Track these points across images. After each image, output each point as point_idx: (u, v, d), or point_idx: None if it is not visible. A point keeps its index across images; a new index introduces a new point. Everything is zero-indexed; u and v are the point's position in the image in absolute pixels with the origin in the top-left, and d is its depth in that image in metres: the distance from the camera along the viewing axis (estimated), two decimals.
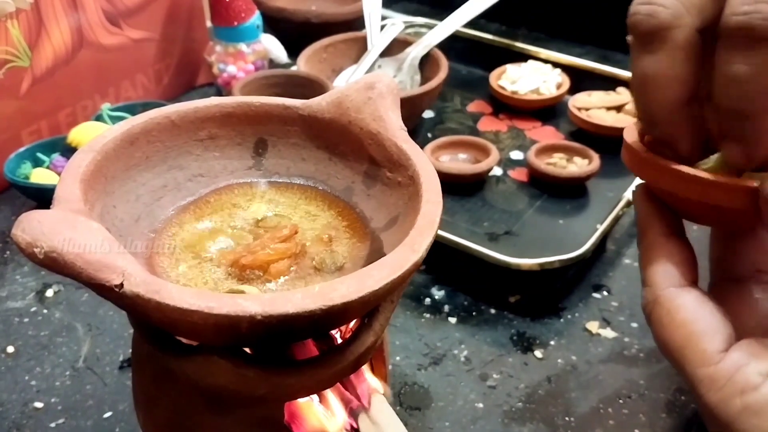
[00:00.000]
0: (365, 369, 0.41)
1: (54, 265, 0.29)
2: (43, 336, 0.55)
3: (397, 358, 0.54)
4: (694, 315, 0.33)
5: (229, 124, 0.43)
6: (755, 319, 0.35)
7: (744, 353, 0.31)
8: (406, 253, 0.32)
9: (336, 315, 0.30)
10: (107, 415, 0.49)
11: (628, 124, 0.39)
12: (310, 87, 0.72)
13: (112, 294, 0.30)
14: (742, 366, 0.31)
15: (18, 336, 0.55)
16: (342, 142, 0.43)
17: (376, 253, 0.38)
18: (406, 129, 0.41)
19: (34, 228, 0.29)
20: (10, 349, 0.54)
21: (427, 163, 0.38)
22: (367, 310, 0.35)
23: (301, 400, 0.38)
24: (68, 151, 0.68)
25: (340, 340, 0.39)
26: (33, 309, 0.58)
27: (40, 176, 0.65)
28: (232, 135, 0.44)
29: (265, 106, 0.43)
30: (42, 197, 0.64)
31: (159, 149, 0.41)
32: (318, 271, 0.38)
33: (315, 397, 0.39)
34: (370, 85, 0.42)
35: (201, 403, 0.37)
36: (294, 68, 0.83)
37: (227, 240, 0.39)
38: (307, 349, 0.39)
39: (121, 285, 0.30)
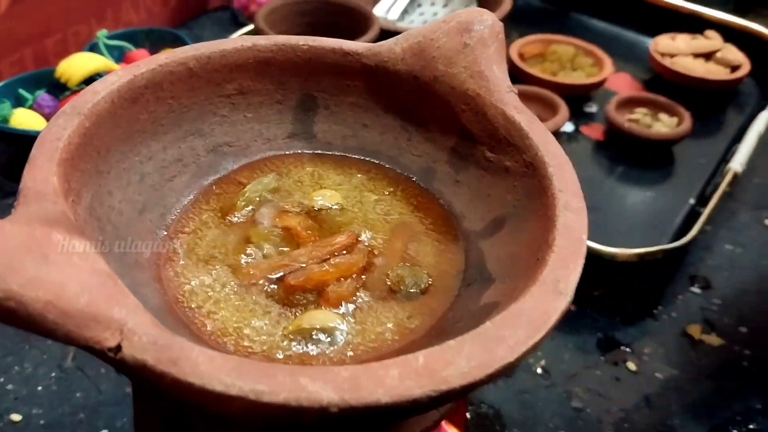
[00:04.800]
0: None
1: (12, 318, 0.18)
2: None
3: None
4: None
5: (266, 74, 0.32)
6: None
7: None
8: (548, 296, 0.22)
9: (448, 399, 0.20)
10: None
11: None
12: (349, 16, 0.59)
13: (106, 358, 0.19)
14: None
15: None
16: (422, 105, 0.31)
17: (475, 271, 0.28)
18: (516, 91, 0.29)
19: None
20: None
21: (554, 146, 0.27)
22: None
23: None
24: (56, 87, 0.56)
25: None
26: None
27: (22, 118, 0.53)
28: (271, 90, 0.32)
29: (316, 50, 0.32)
30: (24, 145, 0.52)
31: (172, 108, 0.30)
32: (394, 294, 0.27)
33: None
34: (466, 25, 0.30)
35: None
36: None
37: (266, 242, 0.28)
38: None
39: (118, 347, 0.19)
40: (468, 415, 0.42)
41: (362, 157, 0.32)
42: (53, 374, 0.42)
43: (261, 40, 0.31)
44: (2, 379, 0.42)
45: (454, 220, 0.30)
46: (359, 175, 0.32)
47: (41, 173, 0.23)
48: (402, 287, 0.27)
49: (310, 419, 0.19)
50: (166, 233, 0.28)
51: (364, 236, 0.29)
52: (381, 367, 0.19)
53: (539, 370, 0.44)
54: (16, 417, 0.40)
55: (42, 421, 0.40)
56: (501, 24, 0.31)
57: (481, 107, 0.29)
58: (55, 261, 0.19)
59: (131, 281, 0.24)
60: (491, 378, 0.20)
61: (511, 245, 0.27)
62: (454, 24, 0.30)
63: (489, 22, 0.30)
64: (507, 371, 0.20)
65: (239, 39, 0.31)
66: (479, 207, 0.29)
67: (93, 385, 0.42)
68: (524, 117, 0.28)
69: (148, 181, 0.29)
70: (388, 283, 0.27)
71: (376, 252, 0.28)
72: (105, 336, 0.19)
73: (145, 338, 0.19)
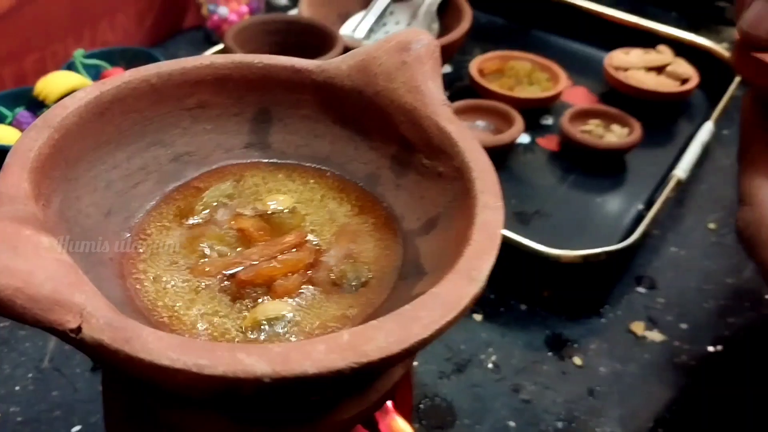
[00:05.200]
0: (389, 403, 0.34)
1: None
2: (3, 328, 0.47)
3: (415, 363, 0.47)
4: None
5: (224, 89, 0.35)
6: None
7: None
8: (462, 282, 0.25)
9: (370, 371, 0.22)
10: (76, 429, 0.42)
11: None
12: (315, 35, 0.63)
13: (68, 339, 0.22)
14: None
15: None
16: (366, 116, 0.34)
17: (411, 266, 0.31)
18: (450, 104, 0.32)
19: None
20: None
21: (479, 152, 0.30)
22: (408, 357, 0.27)
23: None
24: (35, 104, 0.58)
25: None
26: None
27: (1, 134, 0.56)
28: (228, 103, 0.35)
29: (270, 67, 0.35)
30: (4, 159, 0.55)
31: (136, 121, 0.33)
32: (337, 288, 0.30)
33: None
34: (405, 45, 0.33)
35: None
36: (294, 12, 0.73)
37: (221, 242, 0.31)
38: None
39: (79, 329, 0.22)
40: (422, 405, 0.44)
41: (314, 165, 0.35)
42: (30, 375, 0.45)
43: (219, 59, 0.34)
44: None
45: (394, 221, 0.33)
46: (311, 182, 0.35)
47: (14, 180, 0.26)
48: (344, 281, 0.30)
49: (247, 390, 0.21)
50: (129, 235, 0.31)
51: (312, 236, 0.32)
52: (309, 343, 0.22)
53: (490, 365, 0.47)
54: None
55: (19, 418, 0.42)
56: (437, 43, 0.34)
57: (418, 119, 0.32)
58: (23, 253, 0.22)
59: (96, 277, 0.26)
60: (407, 351, 0.23)
61: (442, 242, 0.30)
62: (394, 43, 0.33)
63: (425, 42, 0.33)
64: (422, 346, 0.23)
65: (198, 58, 0.34)
66: (416, 208, 0.32)
67: (69, 385, 0.44)
68: (455, 127, 0.31)
69: (113, 188, 0.31)
70: (332, 278, 0.30)
71: (322, 250, 0.31)
72: (67, 319, 0.22)
73: (101, 320, 0.22)
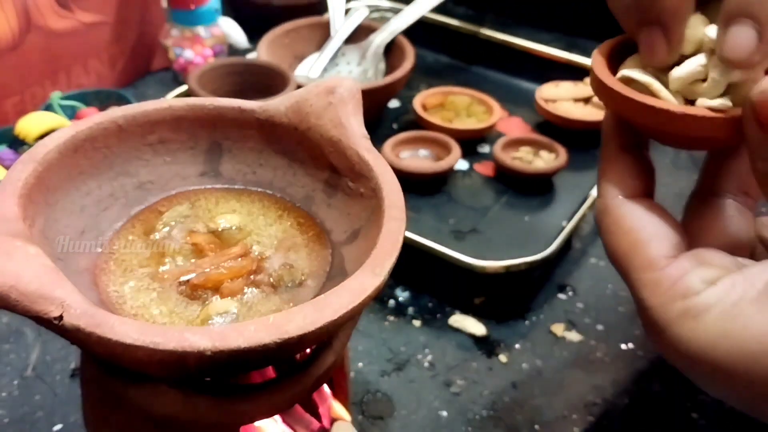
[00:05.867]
0: (327, 387, 0.40)
1: None
2: None
3: (360, 364, 0.53)
4: (641, 222, 0.32)
5: (181, 127, 0.41)
6: (724, 236, 0.35)
7: (691, 261, 0.31)
8: (367, 277, 0.31)
9: (292, 347, 0.29)
10: (57, 427, 0.47)
11: (596, 49, 0.36)
12: (270, 76, 0.69)
13: (52, 326, 0.28)
14: (687, 272, 0.30)
15: None
16: (301, 148, 0.41)
17: (337, 269, 0.37)
18: (368, 137, 0.39)
19: None
20: None
21: (390, 175, 0.37)
22: (326, 338, 0.33)
23: (258, 423, 0.37)
24: (15, 143, 0.64)
25: (298, 359, 0.38)
26: None
27: None
28: (184, 139, 0.41)
29: (220, 108, 0.41)
30: None
31: (106, 155, 0.39)
32: (275, 289, 0.36)
33: (276, 416, 0.38)
34: (331, 89, 0.40)
35: (151, 428, 0.35)
36: (254, 54, 0.80)
37: (178, 254, 0.37)
38: (264, 371, 0.37)
39: (61, 317, 0.27)
40: (365, 399, 0.50)
41: (258, 189, 0.42)
42: (15, 382, 0.50)
43: (176, 102, 0.41)
44: None
45: (326, 234, 0.39)
46: (256, 203, 0.41)
47: (5, 204, 0.32)
48: (281, 283, 0.36)
49: (193, 361, 0.27)
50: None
51: (256, 247, 0.38)
52: (242, 325, 0.28)
53: (426, 364, 0.54)
54: None
55: (6, 420, 0.47)
56: (358, 87, 0.41)
57: (343, 149, 0.39)
58: (15, 258, 0.28)
59: (73, 284, 0.32)
60: (321, 330, 0.29)
61: (361, 249, 0.36)
62: (322, 88, 0.40)
63: (348, 86, 0.40)
64: (334, 327, 0.29)
65: (158, 101, 0.40)
66: (343, 223, 0.39)
67: (50, 390, 0.50)
68: (371, 156, 0.38)
69: (87, 211, 0.37)
70: (271, 281, 0.36)
71: (264, 259, 0.37)
72: (51, 309, 0.27)
73: (78, 310, 0.28)
